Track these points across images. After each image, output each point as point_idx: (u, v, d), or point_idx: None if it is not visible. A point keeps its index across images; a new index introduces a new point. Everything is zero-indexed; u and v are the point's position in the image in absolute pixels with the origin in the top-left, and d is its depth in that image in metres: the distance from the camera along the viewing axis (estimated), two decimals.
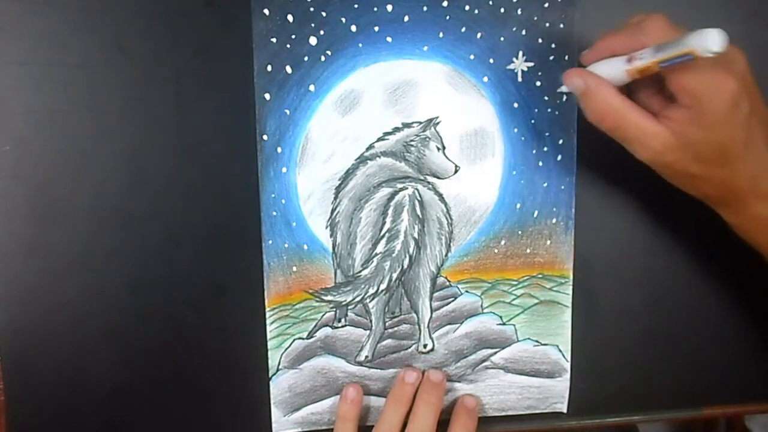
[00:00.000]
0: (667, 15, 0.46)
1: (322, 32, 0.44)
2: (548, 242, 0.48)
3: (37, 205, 0.44)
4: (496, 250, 0.48)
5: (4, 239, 0.44)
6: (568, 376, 0.49)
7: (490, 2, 0.45)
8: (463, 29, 0.45)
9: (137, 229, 0.45)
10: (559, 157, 0.47)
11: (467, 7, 0.45)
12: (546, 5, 0.45)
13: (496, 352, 0.49)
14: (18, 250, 0.44)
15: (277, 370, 0.47)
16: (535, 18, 0.45)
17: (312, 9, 0.44)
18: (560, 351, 0.49)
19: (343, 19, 0.44)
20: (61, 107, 0.43)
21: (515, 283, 0.48)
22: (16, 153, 0.43)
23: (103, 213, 0.44)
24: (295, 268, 0.46)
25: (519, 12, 0.45)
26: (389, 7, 0.44)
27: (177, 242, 0.45)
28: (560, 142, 0.47)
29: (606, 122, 0.39)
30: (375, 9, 0.44)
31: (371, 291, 0.47)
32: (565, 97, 0.46)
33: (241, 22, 0.44)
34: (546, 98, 0.46)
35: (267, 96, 0.44)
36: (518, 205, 0.47)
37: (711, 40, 0.34)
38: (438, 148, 0.46)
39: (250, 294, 0.46)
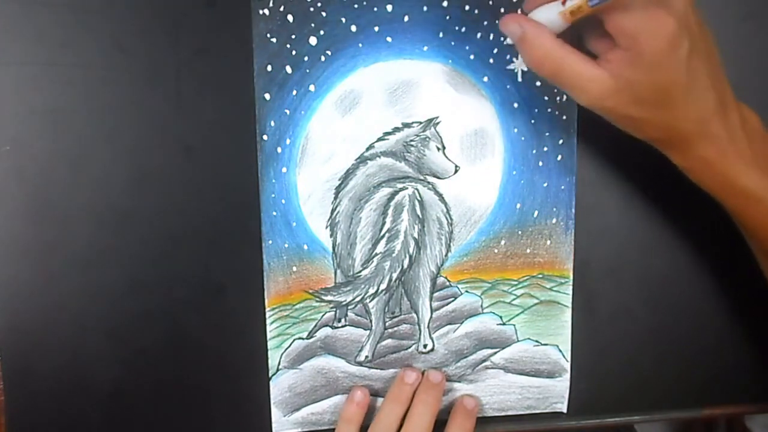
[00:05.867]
0: None
1: (322, 32, 0.44)
2: (548, 242, 0.48)
3: (37, 205, 0.44)
4: (496, 250, 0.48)
5: (4, 239, 0.44)
6: (568, 376, 0.49)
7: (490, 2, 0.45)
8: (463, 29, 0.45)
9: (137, 229, 0.45)
10: (559, 157, 0.47)
11: (467, 7, 0.45)
12: None
13: (496, 352, 0.49)
14: (18, 250, 0.44)
15: (277, 370, 0.47)
16: None
17: (312, 9, 0.44)
18: (560, 351, 0.49)
19: (343, 19, 0.44)
20: (61, 107, 0.43)
21: (515, 283, 0.48)
22: (16, 153, 0.43)
23: (103, 213, 0.44)
24: (295, 268, 0.46)
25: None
26: (389, 7, 0.44)
27: (177, 242, 0.45)
28: (560, 141, 0.47)
29: (544, 68, 0.38)
30: (375, 9, 0.44)
31: (371, 291, 0.47)
32: (565, 97, 0.46)
33: (241, 22, 0.44)
34: (546, 98, 0.46)
35: (267, 96, 0.44)
36: (518, 205, 0.47)
37: None
38: (438, 148, 0.46)
39: (250, 294, 0.46)
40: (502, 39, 0.45)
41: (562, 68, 0.37)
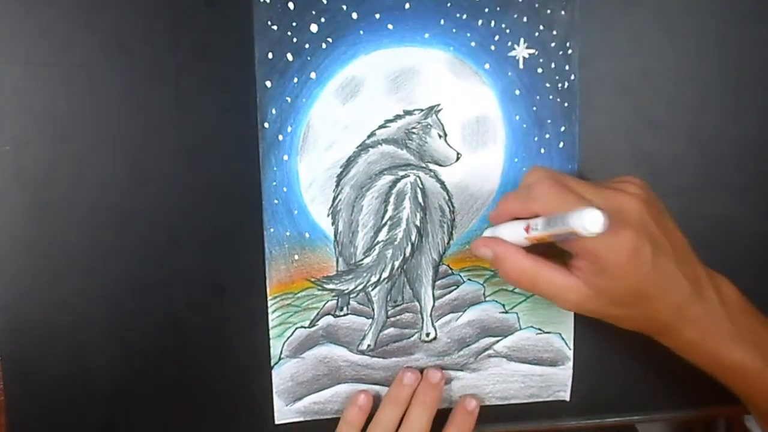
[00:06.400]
0: (666, 14, 0.47)
1: (323, 19, 0.44)
2: None
3: (37, 205, 0.44)
4: None
5: (4, 239, 0.44)
6: (570, 364, 0.49)
7: None
8: (465, 16, 0.45)
9: (137, 229, 0.45)
10: (561, 144, 0.47)
11: None
12: None
13: (498, 341, 0.49)
14: (18, 250, 0.44)
15: (279, 359, 0.47)
16: (536, 5, 0.45)
17: None
18: (563, 339, 0.49)
19: (344, 7, 0.44)
20: (61, 107, 0.43)
21: None
22: (16, 153, 0.43)
23: (103, 213, 0.44)
24: (296, 257, 0.46)
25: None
26: None
27: (178, 235, 0.45)
28: (562, 129, 0.47)
29: (521, 284, 0.40)
30: None
31: (373, 279, 0.47)
32: (566, 84, 0.46)
33: (242, 22, 0.43)
34: (548, 85, 0.46)
35: (268, 83, 0.44)
36: None
37: (589, 222, 0.33)
38: (440, 136, 0.46)
39: (252, 283, 0.46)
40: (503, 26, 0.45)
41: (538, 281, 0.39)
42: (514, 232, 0.40)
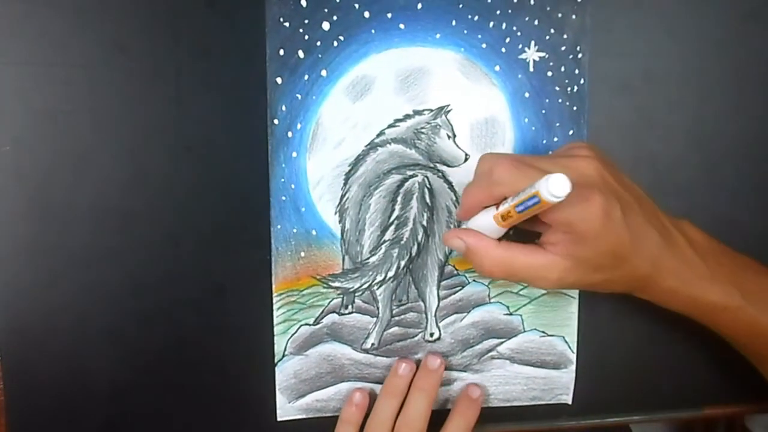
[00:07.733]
0: (667, 15, 0.47)
1: (335, 17, 0.44)
2: None
3: (37, 205, 0.43)
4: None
5: (4, 239, 0.44)
6: (573, 367, 0.49)
7: None
8: (476, 18, 0.45)
9: (140, 228, 0.45)
10: None
11: None
12: None
13: (502, 342, 0.49)
14: (18, 250, 0.44)
15: (283, 356, 0.47)
16: (548, 8, 0.45)
17: None
18: (566, 342, 0.49)
19: (357, 5, 0.44)
20: (61, 107, 0.43)
21: None
22: (16, 153, 0.43)
23: (103, 213, 0.44)
24: (303, 254, 0.46)
25: (532, 2, 0.45)
26: None
27: (181, 232, 0.45)
28: (570, 132, 0.47)
29: (497, 274, 0.40)
30: None
31: (379, 278, 0.47)
32: (576, 88, 0.46)
33: (250, 19, 0.43)
34: (557, 88, 0.46)
35: (279, 80, 0.44)
36: None
37: (555, 187, 0.34)
38: (449, 136, 0.46)
39: (258, 279, 0.46)
40: (514, 28, 0.45)
41: (514, 268, 0.39)
42: (485, 220, 0.40)
